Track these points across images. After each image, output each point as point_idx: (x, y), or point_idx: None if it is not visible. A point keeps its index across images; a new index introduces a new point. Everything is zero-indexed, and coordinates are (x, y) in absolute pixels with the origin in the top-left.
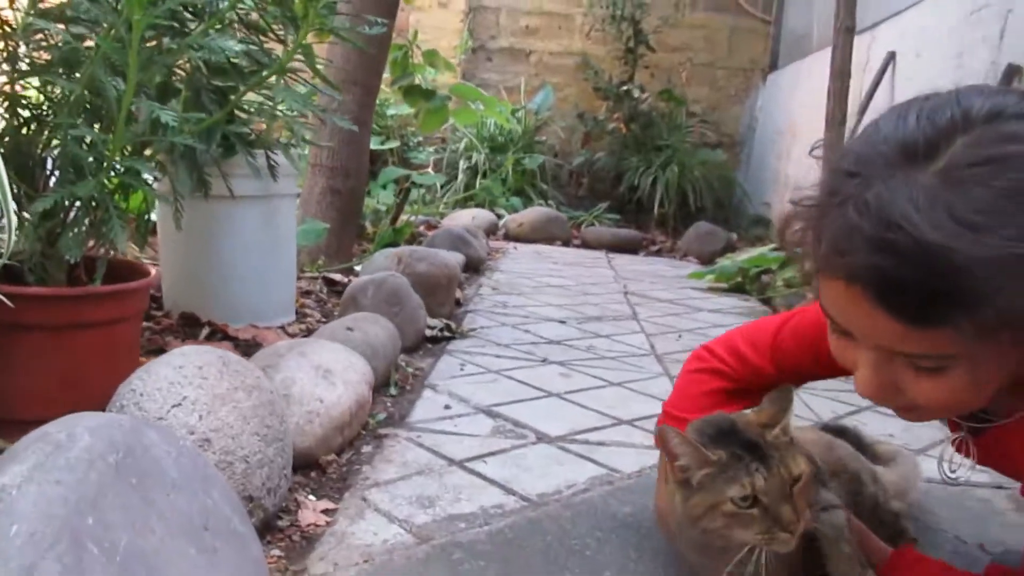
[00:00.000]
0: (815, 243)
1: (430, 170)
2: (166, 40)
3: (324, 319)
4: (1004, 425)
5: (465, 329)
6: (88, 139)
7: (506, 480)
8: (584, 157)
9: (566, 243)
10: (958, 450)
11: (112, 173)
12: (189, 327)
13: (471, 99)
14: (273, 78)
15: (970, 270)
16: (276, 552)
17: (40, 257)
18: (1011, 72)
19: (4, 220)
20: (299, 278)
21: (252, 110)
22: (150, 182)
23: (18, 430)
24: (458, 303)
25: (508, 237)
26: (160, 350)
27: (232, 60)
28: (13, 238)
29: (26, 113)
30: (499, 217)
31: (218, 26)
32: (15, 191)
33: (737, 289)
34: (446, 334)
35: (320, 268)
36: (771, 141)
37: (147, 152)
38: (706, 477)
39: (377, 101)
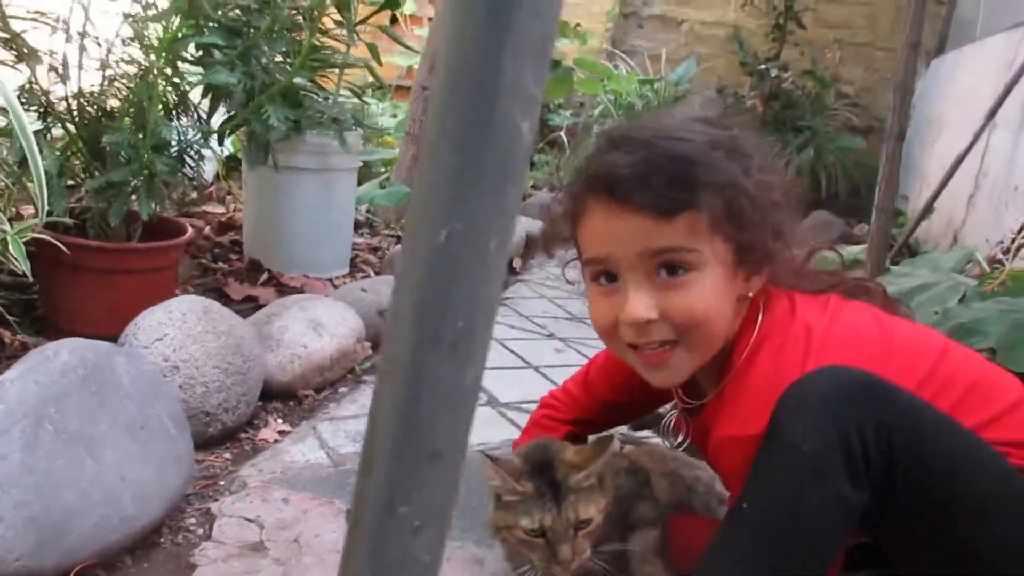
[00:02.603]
0: (579, 194)
1: (563, 134)
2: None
3: (377, 274)
4: (706, 408)
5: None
6: (128, 140)
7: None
8: None
9: None
10: (677, 425)
11: (140, 164)
12: (253, 272)
13: (595, 71)
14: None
15: (696, 158)
16: (227, 455)
17: (99, 217)
18: None
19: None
20: (375, 235)
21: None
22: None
23: None
24: (513, 270)
25: None
26: (219, 289)
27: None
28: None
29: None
30: None
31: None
32: (87, 167)
33: None
34: None
35: (400, 227)
36: (922, 131)
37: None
38: (511, 501)
39: None
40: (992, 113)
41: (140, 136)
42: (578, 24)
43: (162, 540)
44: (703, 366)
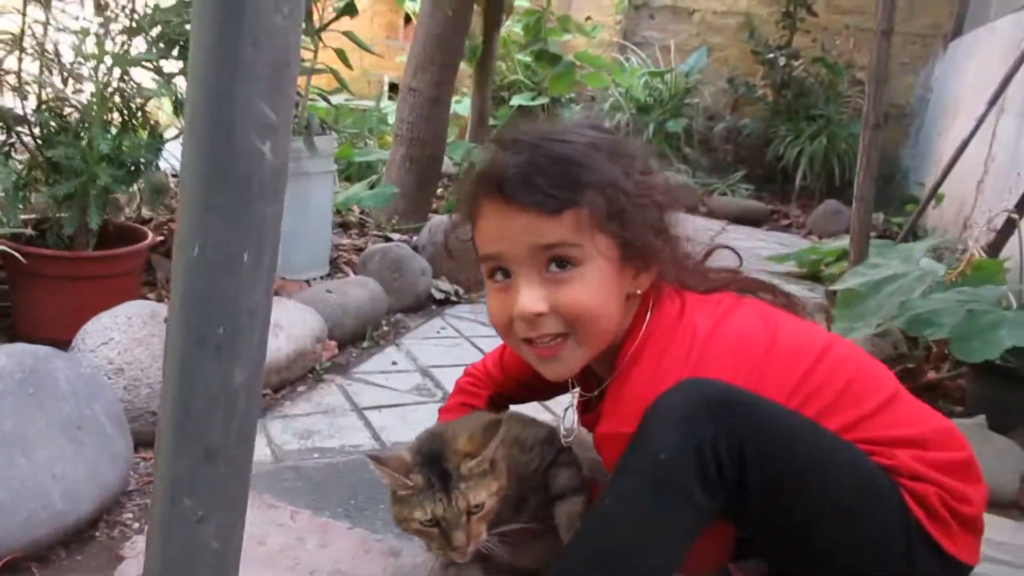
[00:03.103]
0: (473, 195)
1: None
2: None
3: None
4: (597, 404)
5: (475, 296)
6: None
7: (381, 428)
8: (730, 123)
9: (691, 211)
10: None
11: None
12: None
13: (595, 66)
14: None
15: (577, 159)
16: None
17: (57, 227)
18: None
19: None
20: (364, 235)
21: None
22: None
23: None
24: None
25: None
26: None
27: None
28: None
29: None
30: None
31: None
32: (48, 180)
33: (811, 277)
34: (452, 297)
35: (394, 227)
36: (939, 116)
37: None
38: (404, 495)
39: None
40: (995, 98)
41: (89, 149)
42: (588, 17)
43: (97, 534)
44: (597, 359)
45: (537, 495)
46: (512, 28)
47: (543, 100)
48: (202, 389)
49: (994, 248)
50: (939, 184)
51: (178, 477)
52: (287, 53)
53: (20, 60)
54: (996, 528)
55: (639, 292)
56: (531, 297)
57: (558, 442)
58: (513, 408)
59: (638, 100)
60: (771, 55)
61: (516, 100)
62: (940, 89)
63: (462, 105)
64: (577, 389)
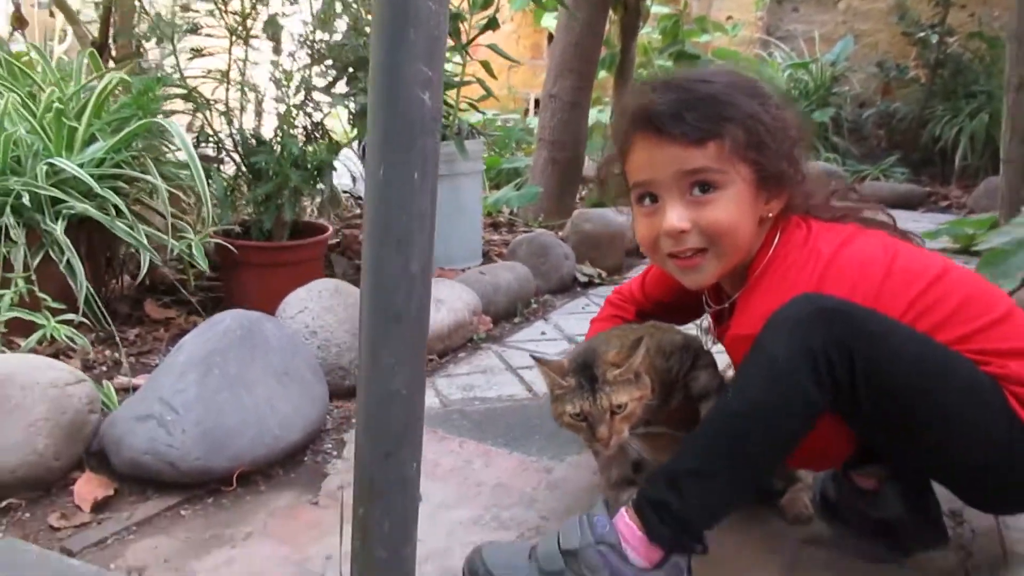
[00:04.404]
0: (626, 132)
1: None
2: None
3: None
4: (727, 311)
5: (618, 278)
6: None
7: (533, 381)
8: (881, 108)
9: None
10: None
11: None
12: None
13: (735, 60)
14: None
15: (720, 96)
16: (351, 404)
17: (258, 224)
18: None
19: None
20: (513, 232)
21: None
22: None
23: None
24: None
25: None
26: None
27: None
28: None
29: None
30: None
31: None
32: (250, 187)
33: (965, 251)
34: (595, 279)
35: (539, 224)
36: None
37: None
38: (560, 393)
39: None
40: None
41: (282, 156)
42: (729, 17)
43: (305, 459)
44: (728, 275)
45: (678, 396)
46: (651, 35)
47: None
48: (389, 273)
49: None
50: None
51: (376, 338)
52: (438, 28)
53: (227, 91)
54: None
55: (771, 216)
56: (677, 216)
57: (695, 347)
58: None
59: (781, 92)
60: (923, 34)
61: None
62: None
63: (604, 115)
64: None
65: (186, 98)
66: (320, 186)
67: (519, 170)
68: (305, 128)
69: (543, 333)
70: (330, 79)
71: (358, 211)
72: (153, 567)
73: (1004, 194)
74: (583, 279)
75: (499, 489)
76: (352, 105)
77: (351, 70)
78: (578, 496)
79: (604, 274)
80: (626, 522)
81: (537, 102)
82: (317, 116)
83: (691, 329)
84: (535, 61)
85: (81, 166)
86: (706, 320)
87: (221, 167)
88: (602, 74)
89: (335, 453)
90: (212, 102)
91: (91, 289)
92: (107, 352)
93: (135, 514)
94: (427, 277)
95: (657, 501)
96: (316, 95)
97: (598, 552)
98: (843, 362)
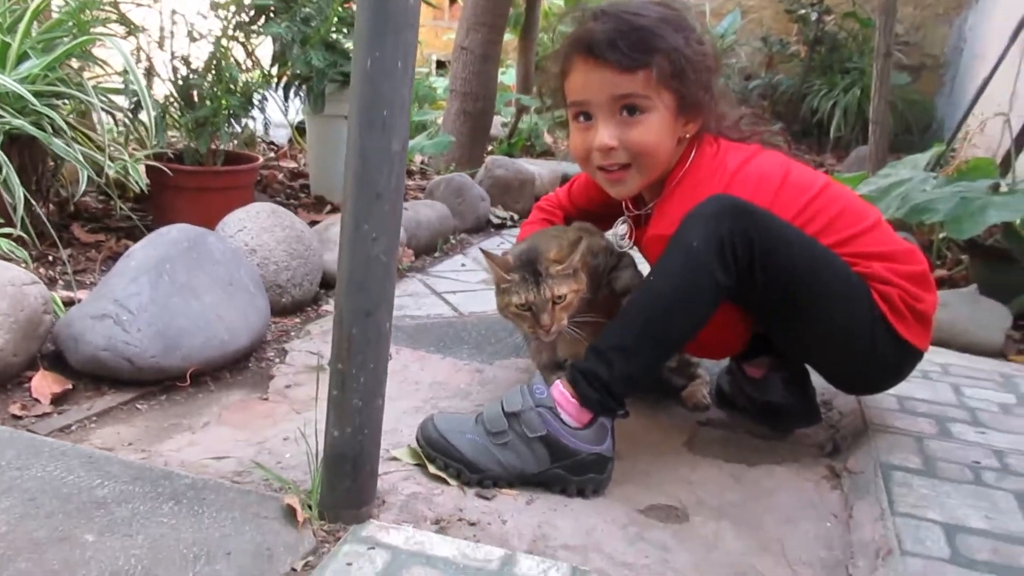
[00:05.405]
0: (566, 53)
1: None
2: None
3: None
4: (645, 217)
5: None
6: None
7: (458, 304)
8: (765, 81)
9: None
10: (629, 234)
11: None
12: (318, 205)
13: None
14: None
15: (651, 29)
16: (296, 319)
17: (192, 150)
18: None
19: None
20: (426, 179)
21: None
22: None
23: None
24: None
25: None
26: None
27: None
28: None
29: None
30: None
31: None
32: (182, 113)
33: None
34: (508, 222)
35: (450, 172)
36: (973, 65)
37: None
38: (505, 287)
39: None
40: (1015, 35)
41: (218, 82)
42: None
43: (250, 364)
44: (648, 186)
45: (604, 290)
46: (554, 1)
47: None
48: (373, 153)
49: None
50: (962, 122)
51: (359, 211)
52: None
53: (160, 16)
54: (982, 363)
55: (687, 136)
56: (608, 135)
57: (618, 250)
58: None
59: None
60: (803, 12)
61: None
62: (973, 39)
63: (507, 75)
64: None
65: (119, 21)
66: (253, 113)
67: (426, 124)
68: (235, 58)
69: (463, 265)
70: (258, 8)
71: (272, 154)
72: (119, 449)
73: (872, 151)
74: (497, 221)
75: (436, 386)
76: (279, 30)
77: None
78: (508, 388)
79: (516, 217)
80: (560, 390)
81: (439, 63)
82: (250, 47)
83: None
84: (437, 22)
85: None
86: (620, 228)
87: (151, 93)
88: (506, 35)
89: (278, 360)
90: (142, 28)
91: (27, 205)
92: (42, 271)
93: (94, 407)
94: (404, 156)
95: (588, 371)
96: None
97: (537, 413)
98: (744, 250)
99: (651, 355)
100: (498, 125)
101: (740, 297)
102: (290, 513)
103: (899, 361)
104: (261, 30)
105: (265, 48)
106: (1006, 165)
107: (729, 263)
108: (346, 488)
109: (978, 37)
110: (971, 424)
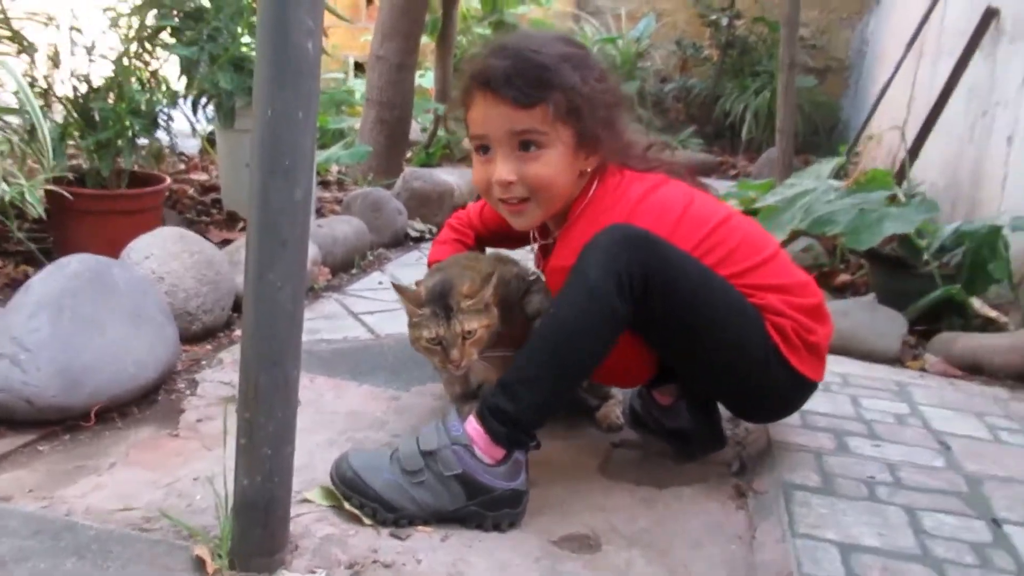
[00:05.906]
0: (467, 87)
1: None
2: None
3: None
4: (551, 247)
5: None
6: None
7: (375, 325)
8: (680, 83)
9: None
10: (537, 262)
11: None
12: (230, 222)
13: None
14: None
15: (547, 67)
16: (208, 347)
17: (95, 172)
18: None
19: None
20: (343, 190)
21: None
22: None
23: None
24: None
25: None
26: (202, 236)
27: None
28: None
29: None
30: None
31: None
32: (82, 134)
33: (748, 212)
34: (426, 235)
35: (368, 183)
36: (874, 68)
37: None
38: (416, 320)
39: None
40: (911, 43)
41: (120, 104)
42: None
43: (159, 397)
44: (553, 218)
45: (518, 316)
46: (471, 3)
47: None
48: (275, 202)
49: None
50: (863, 127)
51: (263, 260)
52: None
53: (59, 32)
54: (880, 371)
55: (588, 170)
56: (505, 169)
57: (530, 277)
58: (490, 251)
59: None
60: (715, 16)
61: None
62: (874, 41)
63: (426, 79)
64: (537, 245)
65: (11, 39)
66: (158, 135)
67: (344, 131)
68: (139, 76)
69: (380, 283)
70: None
71: (182, 166)
72: (19, 496)
73: (778, 159)
74: (415, 234)
75: (351, 416)
76: (187, 52)
77: (177, 21)
78: (423, 418)
79: (434, 229)
80: (474, 426)
81: (357, 65)
82: (154, 65)
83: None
84: (354, 23)
85: None
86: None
87: (49, 113)
88: (424, 39)
89: (189, 392)
90: (36, 47)
91: None
92: None
93: None
94: (308, 205)
95: (495, 407)
96: (149, 44)
97: (453, 451)
98: (641, 279)
99: (557, 385)
100: (418, 131)
101: (639, 326)
102: (200, 565)
103: (792, 392)
104: (167, 49)
105: (172, 63)
106: (901, 175)
107: (627, 292)
108: (257, 536)
109: (878, 40)
110: (868, 437)
